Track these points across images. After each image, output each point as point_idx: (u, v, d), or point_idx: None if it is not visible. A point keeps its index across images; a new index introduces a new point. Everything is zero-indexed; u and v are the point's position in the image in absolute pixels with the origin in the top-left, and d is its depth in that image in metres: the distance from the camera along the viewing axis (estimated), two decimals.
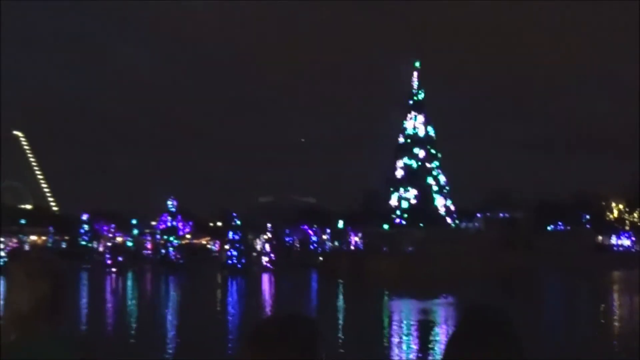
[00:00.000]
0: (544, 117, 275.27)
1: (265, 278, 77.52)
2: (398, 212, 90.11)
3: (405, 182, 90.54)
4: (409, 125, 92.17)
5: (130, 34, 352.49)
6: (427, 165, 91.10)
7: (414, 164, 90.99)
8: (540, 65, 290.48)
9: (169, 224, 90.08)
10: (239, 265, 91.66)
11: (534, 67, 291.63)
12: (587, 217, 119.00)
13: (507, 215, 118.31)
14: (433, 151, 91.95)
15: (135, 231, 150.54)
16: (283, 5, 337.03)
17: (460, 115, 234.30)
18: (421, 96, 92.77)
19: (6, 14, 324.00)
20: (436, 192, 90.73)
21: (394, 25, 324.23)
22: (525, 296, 50.52)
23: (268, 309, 41.88)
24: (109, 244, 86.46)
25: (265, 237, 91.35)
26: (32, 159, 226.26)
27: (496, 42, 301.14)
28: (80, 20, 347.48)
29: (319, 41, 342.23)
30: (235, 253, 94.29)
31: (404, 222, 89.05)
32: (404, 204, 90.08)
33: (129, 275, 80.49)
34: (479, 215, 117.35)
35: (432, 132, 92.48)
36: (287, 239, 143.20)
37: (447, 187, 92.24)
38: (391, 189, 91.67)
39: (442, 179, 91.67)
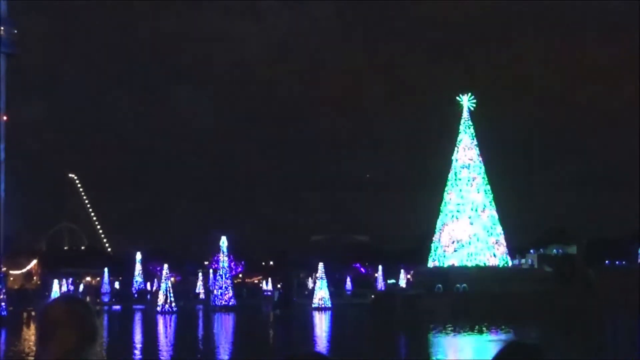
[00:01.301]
0: (599, 152, 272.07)
1: (317, 316, 77.31)
2: (450, 249, 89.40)
3: (457, 219, 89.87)
4: (459, 160, 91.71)
5: (185, 75, 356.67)
6: (479, 200, 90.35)
7: (465, 200, 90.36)
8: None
9: (221, 264, 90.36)
10: (290, 304, 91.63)
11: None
12: None
13: (560, 251, 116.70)
14: (485, 186, 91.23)
15: (188, 271, 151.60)
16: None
17: (512, 150, 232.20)
18: (472, 131, 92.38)
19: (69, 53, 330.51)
20: (489, 228, 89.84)
21: (446, 61, 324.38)
22: (581, 334, 49.63)
23: (320, 349, 41.63)
24: (162, 284, 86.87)
25: (318, 275, 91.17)
26: (86, 201, 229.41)
27: (550, 76, 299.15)
28: (136, 61, 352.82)
29: (371, 80, 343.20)
30: (287, 292, 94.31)
31: (456, 260, 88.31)
32: (456, 241, 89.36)
33: (182, 315, 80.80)
34: (532, 251, 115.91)
35: (483, 167, 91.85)
36: (339, 277, 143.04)
37: (500, 223, 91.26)
38: (443, 226, 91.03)
39: (495, 214, 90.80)
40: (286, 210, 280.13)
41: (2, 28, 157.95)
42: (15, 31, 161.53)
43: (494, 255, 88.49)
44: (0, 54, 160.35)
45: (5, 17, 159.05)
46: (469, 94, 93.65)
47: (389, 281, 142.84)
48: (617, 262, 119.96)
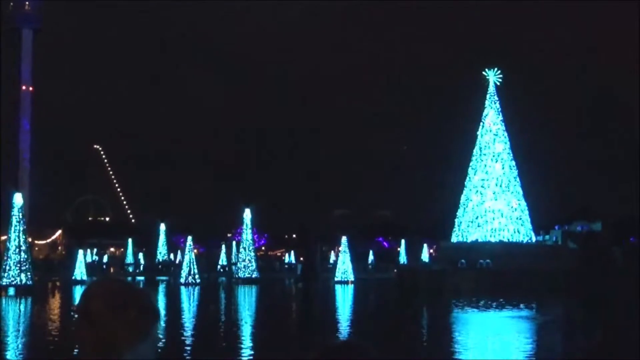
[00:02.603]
0: (627, 129, 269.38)
1: (340, 290, 77.43)
2: (474, 225, 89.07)
3: (481, 194, 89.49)
4: (484, 136, 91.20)
5: (201, 58, 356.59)
6: (503, 176, 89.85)
7: (489, 175, 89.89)
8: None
9: (244, 236, 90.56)
10: (314, 277, 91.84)
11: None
12: None
13: (585, 228, 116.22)
14: (509, 162, 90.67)
15: (212, 243, 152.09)
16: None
17: (538, 126, 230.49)
18: (498, 106, 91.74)
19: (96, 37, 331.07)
20: (513, 204, 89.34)
21: (471, 38, 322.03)
22: (607, 312, 49.29)
23: (345, 324, 41.68)
24: (186, 256, 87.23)
25: (340, 248, 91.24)
26: (110, 172, 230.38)
27: (576, 58, 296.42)
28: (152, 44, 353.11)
29: (392, 55, 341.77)
30: (310, 265, 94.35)
31: (480, 235, 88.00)
32: (479, 216, 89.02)
33: (205, 287, 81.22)
34: (556, 227, 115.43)
35: (508, 143, 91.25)
36: (362, 251, 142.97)
37: (524, 199, 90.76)
38: (467, 201, 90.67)
39: (519, 190, 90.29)
40: (309, 184, 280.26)
41: (27, 3, 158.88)
42: (42, 6, 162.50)
43: (518, 231, 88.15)
44: (27, 29, 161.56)
45: None
46: (495, 69, 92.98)
47: (412, 255, 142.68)
48: None
